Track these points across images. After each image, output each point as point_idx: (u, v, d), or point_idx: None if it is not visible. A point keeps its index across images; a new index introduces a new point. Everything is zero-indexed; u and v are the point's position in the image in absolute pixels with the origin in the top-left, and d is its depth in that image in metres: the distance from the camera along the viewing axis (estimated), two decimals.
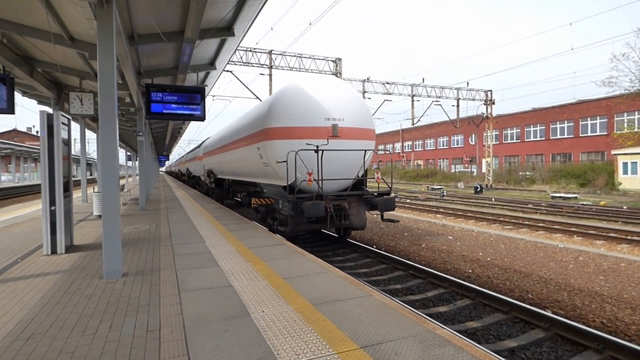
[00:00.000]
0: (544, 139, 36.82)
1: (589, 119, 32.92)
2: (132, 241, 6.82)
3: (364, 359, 2.57)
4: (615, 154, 27.51)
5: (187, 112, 8.25)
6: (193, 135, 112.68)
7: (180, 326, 3.12)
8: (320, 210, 7.15)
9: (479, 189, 26.76)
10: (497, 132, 40.05)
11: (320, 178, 7.43)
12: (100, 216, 7.66)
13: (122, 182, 28.43)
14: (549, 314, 4.90)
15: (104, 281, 4.42)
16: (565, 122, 34.80)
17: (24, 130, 69.88)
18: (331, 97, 8.19)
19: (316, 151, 7.44)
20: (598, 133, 32.22)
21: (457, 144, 47.82)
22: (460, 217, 14.60)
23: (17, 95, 10.53)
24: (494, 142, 34.63)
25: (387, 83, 27.21)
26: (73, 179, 6.80)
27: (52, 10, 5.90)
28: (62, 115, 5.85)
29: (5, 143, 39.00)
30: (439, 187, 33.34)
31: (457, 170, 46.24)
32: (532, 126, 38.03)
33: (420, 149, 54.72)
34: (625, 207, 16.86)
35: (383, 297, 3.81)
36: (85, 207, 12.32)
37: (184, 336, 2.93)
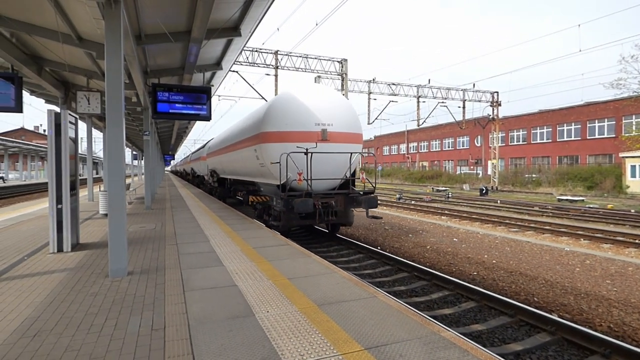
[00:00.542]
0: (550, 141, 36.53)
1: (596, 121, 32.60)
2: (138, 240, 6.86)
3: None
4: (623, 157, 27.20)
5: (193, 112, 8.28)
6: (198, 135, 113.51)
7: (185, 325, 3.12)
8: (308, 206, 7.89)
9: (484, 191, 26.60)
10: (503, 134, 39.79)
11: (309, 178, 8.22)
12: (106, 215, 7.72)
13: (127, 181, 28.60)
14: (555, 317, 4.85)
15: (110, 279, 4.44)
16: (573, 124, 34.48)
17: (32, 129, 70.59)
18: (321, 104, 8.91)
19: (305, 154, 8.20)
20: (606, 135, 31.88)
21: (463, 146, 47.58)
22: (465, 219, 14.52)
23: (25, 94, 10.65)
24: (500, 144, 34.40)
25: (393, 84, 27.14)
26: (79, 177, 6.85)
27: (61, 10, 5.95)
28: (70, 114, 5.89)
29: (13, 141, 39.44)
30: (444, 188, 33.21)
31: (462, 172, 46.01)
32: (538, 128, 37.73)
33: (425, 151, 54.49)
34: (633, 211, 16.68)
35: (388, 298, 3.80)
36: (91, 206, 12.41)
37: (188, 335, 2.94)
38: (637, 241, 9.80)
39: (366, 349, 2.72)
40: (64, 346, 2.79)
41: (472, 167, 45.18)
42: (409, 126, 54.71)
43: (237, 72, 20.08)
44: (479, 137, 43.28)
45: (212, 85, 12.07)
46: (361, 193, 9.14)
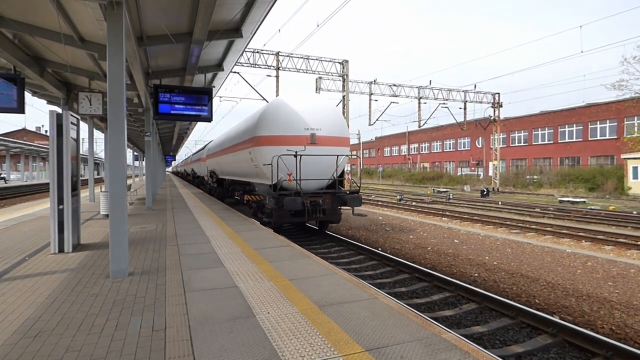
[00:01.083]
0: (552, 142, 36.47)
1: (598, 122, 32.54)
2: (139, 241, 6.87)
3: None
4: (625, 158, 27.15)
5: (194, 113, 8.30)
6: (200, 136, 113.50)
7: (186, 326, 3.12)
8: (297, 204, 8.55)
9: (485, 192, 26.56)
10: (505, 135, 39.75)
11: (298, 178, 8.90)
12: (107, 215, 7.72)
13: (129, 181, 28.65)
14: (556, 319, 4.83)
15: (111, 280, 4.44)
16: (574, 125, 34.43)
17: (33, 129, 70.75)
18: (311, 110, 9.59)
19: (295, 156, 8.87)
20: (608, 137, 31.82)
21: (464, 147, 47.54)
22: (466, 221, 14.50)
23: (27, 95, 10.66)
24: (501, 145, 34.38)
25: (394, 85, 27.15)
26: (81, 178, 6.86)
27: (63, 12, 5.97)
28: (71, 115, 5.90)
29: (15, 142, 39.55)
30: (445, 190, 33.19)
31: (463, 173, 45.97)
32: (540, 129, 37.68)
33: (426, 152, 54.45)
34: (635, 212, 16.63)
35: (388, 299, 3.79)
36: (92, 207, 12.42)
37: (189, 336, 2.94)
38: (639, 243, 9.77)
39: (367, 350, 2.71)
40: (64, 347, 2.79)
41: (473, 168, 45.13)
42: (410, 127, 54.72)
43: (238, 73, 20.16)
44: (480, 138, 43.24)
45: (214, 87, 12.09)
46: (347, 192, 9.80)
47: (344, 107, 23.17)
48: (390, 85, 27.05)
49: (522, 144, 39.70)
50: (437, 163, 52.04)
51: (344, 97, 23.13)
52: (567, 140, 35.14)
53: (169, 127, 22.95)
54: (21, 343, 2.85)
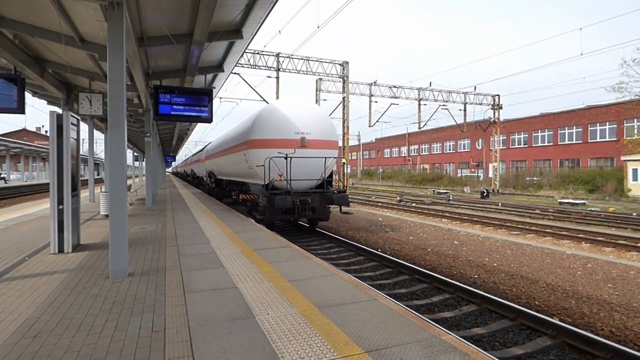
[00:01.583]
0: (552, 144, 36.50)
1: (598, 124, 32.57)
2: (139, 241, 6.86)
3: None
4: (625, 160, 27.16)
5: (194, 114, 8.29)
6: (199, 137, 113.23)
7: (185, 327, 3.12)
8: (287, 202, 9.25)
9: (485, 194, 26.57)
10: (505, 137, 39.78)
11: (288, 178, 9.57)
12: (107, 216, 7.72)
13: (129, 182, 28.66)
14: (556, 321, 4.83)
15: (110, 281, 4.44)
16: (574, 127, 34.46)
17: (33, 129, 70.77)
18: (301, 115, 10.28)
19: (285, 158, 9.57)
20: (607, 139, 31.84)
21: (464, 149, 47.56)
22: (466, 222, 14.50)
23: (28, 96, 10.67)
24: (501, 147, 34.38)
25: (394, 87, 27.17)
26: (81, 178, 6.86)
27: (64, 12, 5.98)
28: (72, 115, 5.90)
29: (15, 142, 39.56)
30: (445, 191, 33.18)
31: (463, 174, 45.97)
32: (540, 131, 37.71)
33: (426, 153, 54.48)
34: (635, 214, 16.63)
35: (388, 301, 3.79)
36: (92, 207, 12.42)
37: (188, 337, 2.93)
38: (638, 245, 9.76)
39: (366, 352, 2.71)
40: (64, 347, 2.79)
41: (473, 169, 45.15)
42: (410, 129, 54.74)
43: (238, 74, 20.18)
44: (480, 139, 43.26)
45: (214, 87, 12.10)
46: (335, 192, 10.44)
47: (344, 109, 23.20)
48: (390, 87, 27.08)
49: (522, 145, 39.73)
50: (437, 164, 52.07)
51: (344, 98, 23.14)
52: (567, 142, 35.17)
53: (169, 127, 22.97)
54: (21, 343, 2.85)
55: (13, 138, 49.34)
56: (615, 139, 30.98)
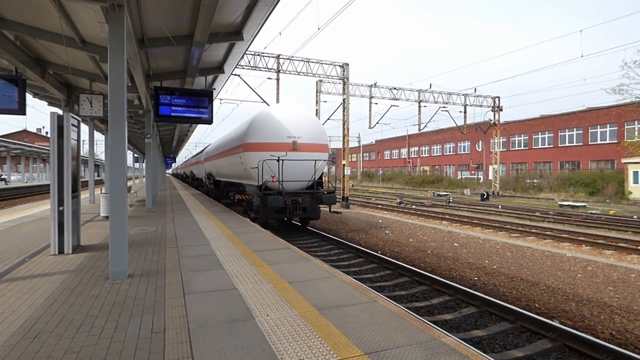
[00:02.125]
0: (552, 146, 36.48)
1: (598, 126, 32.56)
2: (139, 242, 6.86)
3: None
4: (625, 163, 27.15)
5: (194, 115, 8.31)
6: (200, 139, 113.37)
7: (185, 328, 3.12)
8: (279, 202, 9.88)
9: (485, 196, 26.56)
10: (505, 139, 39.77)
11: (281, 180, 10.23)
12: (107, 217, 7.72)
13: (129, 183, 28.66)
14: (556, 324, 4.83)
15: (110, 282, 4.44)
16: (574, 129, 34.45)
17: (34, 131, 70.83)
18: (293, 120, 10.96)
19: (277, 161, 10.21)
20: (608, 141, 31.83)
21: (464, 150, 47.56)
22: (466, 224, 14.49)
23: (28, 97, 10.68)
24: (501, 149, 34.38)
25: (394, 88, 27.19)
26: (81, 179, 6.86)
27: (65, 14, 5.99)
28: (72, 116, 5.91)
29: (16, 143, 39.59)
30: (445, 193, 33.17)
31: (463, 176, 45.95)
32: (540, 133, 37.71)
33: (426, 155, 54.48)
34: (635, 217, 16.62)
35: (388, 303, 3.79)
36: (92, 208, 12.42)
37: (188, 338, 2.93)
38: (639, 248, 9.76)
39: (366, 353, 2.71)
40: (64, 348, 2.79)
41: (473, 172, 45.14)
42: (410, 130, 54.71)
43: (239, 75, 20.19)
44: (480, 141, 43.26)
45: (214, 89, 12.12)
46: (325, 192, 11.08)
47: (344, 110, 23.20)
48: (390, 89, 27.10)
49: (522, 147, 39.72)
50: (437, 166, 52.06)
51: (344, 100, 23.15)
52: (567, 144, 35.15)
53: (169, 129, 22.99)
54: (20, 344, 2.85)
55: (14, 139, 49.38)
56: (615, 141, 30.97)
